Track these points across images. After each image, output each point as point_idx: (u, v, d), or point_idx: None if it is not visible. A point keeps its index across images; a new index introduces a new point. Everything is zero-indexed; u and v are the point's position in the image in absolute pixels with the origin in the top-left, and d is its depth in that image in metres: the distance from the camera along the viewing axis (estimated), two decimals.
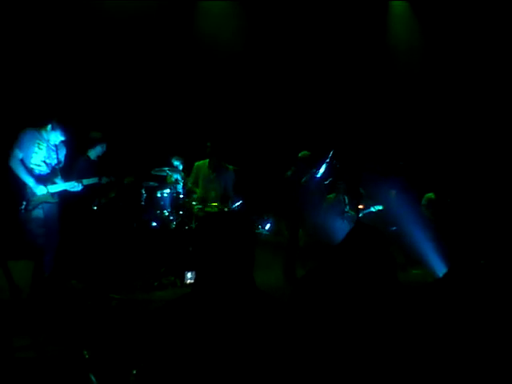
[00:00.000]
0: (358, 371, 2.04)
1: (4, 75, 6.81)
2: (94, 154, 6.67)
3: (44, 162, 5.57)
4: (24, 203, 5.37)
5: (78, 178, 5.87)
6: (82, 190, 5.82)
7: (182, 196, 7.40)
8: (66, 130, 5.62)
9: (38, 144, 5.50)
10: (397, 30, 10.27)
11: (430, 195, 8.67)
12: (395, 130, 9.76)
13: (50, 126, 5.56)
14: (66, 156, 5.95)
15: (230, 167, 7.42)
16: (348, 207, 8.62)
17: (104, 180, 5.97)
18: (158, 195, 7.40)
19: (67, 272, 6.16)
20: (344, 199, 8.66)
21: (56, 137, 5.61)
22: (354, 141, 9.08)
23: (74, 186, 5.75)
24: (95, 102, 7.73)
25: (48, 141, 5.59)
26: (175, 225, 7.21)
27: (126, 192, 7.15)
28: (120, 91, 8.11)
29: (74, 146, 6.44)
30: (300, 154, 7.52)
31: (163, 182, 7.70)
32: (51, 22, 7.40)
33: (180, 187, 7.53)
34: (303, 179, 7.26)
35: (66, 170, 5.93)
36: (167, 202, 7.36)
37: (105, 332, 4.25)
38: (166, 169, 7.55)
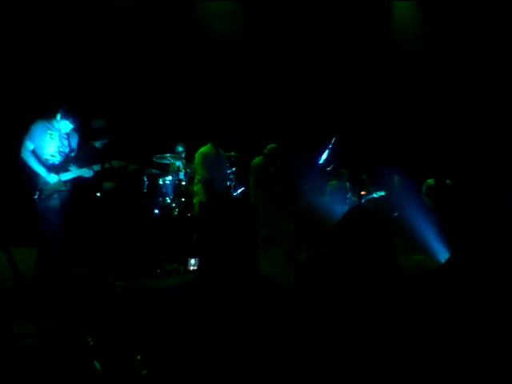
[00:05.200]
0: (360, 357, 2.05)
1: (11, 69, 6.80)
2: (97, 143, 6.64)
3: (58, 151, 5.61)
4: (37, 193, 5.39)
5: (83, 165, 5.87)
6: (92, 176, 5.83)
7: (183, 183, 7.41)
8: (75, 118, 5.64)
9: (50, 134, 5.53)
10: (400, 21, 10.23)
11: (430, 181, 8.66)
12: (398, 117, 9.73)
13: (59, 116, 5.58)
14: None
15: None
16: (350, 193, 8.62)
17: (95, 167, 5.90)
18: (160, 182, 7.40)
19: (71, 259, 6.18)
20: (346, 185, 8.66)
21: (66, 125, 5.63)
22: (356, 128, 9.06)
23: (87, 173, 5.76)
24: (99, 91, 7.70)
25: (59, 130, 5.61)
26: (177, 212, 7.22)
27: (128, 179, 7.14)
28: (123, 80, 8.08)
29: (80, 134, 6.46)
30: (268, 147, 7.78)
31: (165, 169, 7.69)
32: (54, 15, 7.36)
33: (182, 174, 7.54)
34: (270, 170, 7.43)
35: (75, 158, 5.96)
36: (169, 189, 7.37)
37: (109, 319, 4.26)
38: (168, 155, 7.54)
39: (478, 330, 2.24)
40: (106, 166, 5.90)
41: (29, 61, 6.99)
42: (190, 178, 7.59)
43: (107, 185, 6.59)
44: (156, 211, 7.31)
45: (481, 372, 2.14)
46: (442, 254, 6.85)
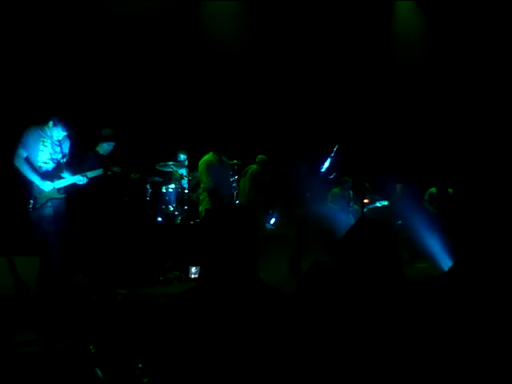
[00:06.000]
0: (362, 367, 2.04)
1: (5, 74, 6.78)
2: (102, 150, 6.66)
3: (50, 158, 5.56)
4: (31, 201, 5.37)
5: (78, 172, 5.82)
6: (87, 183, 5.80)
7: (186, 191, 7.42)
8: (67, 125, 5.58)
9: (43, 141, 5.49)
10: (402, 22, 10.23)
11: (432, 190, 8.64)
12: (400, 124, 9.73)
13: (51, 123, 5.53)
14: (76, 150, 5.94)
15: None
16: (353, 202, 8.62)
17: (89, 174, 5.80)
18: (163, 190, 7.41)
19: (73, 267, 6.18)
20: (349, 193, 8.66)
21: (58, 132, 5.57)
22: (358, 135, 9.06)
23: (80, 180, 5.73)
24: (102, 98, 7.72)
25: (51, 137, 5.57)
26: (180, 220, 7.22)
27: (131, 187, 7.15)
28: (126, 87, 8.10)
29: (84, 141, 6.44)
30: (259, 157, 7.83)
31: (168, 177, 7.71)
32: (52, 19, 7.38)
33: (185, 182, 7.55)
34: (266, 178, 7.52)
35: (76, 165, 5.91)
36: (172, 197, 7.38)
37: (111, 327, 4.26)
38: (171, 163, 7.55)
39: (483, 338, 2.23)
40: (99, 172, 5.86)
41: (23, 67, 6.98)
42: (192, 186, 7.59)
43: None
44: (159, 219, 7.31)
45: (487, 379, 2.13)
46: (445, 262, 6.83)
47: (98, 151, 6.62)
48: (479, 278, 2.51)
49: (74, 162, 5.96)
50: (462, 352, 2.18)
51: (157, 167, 7.61)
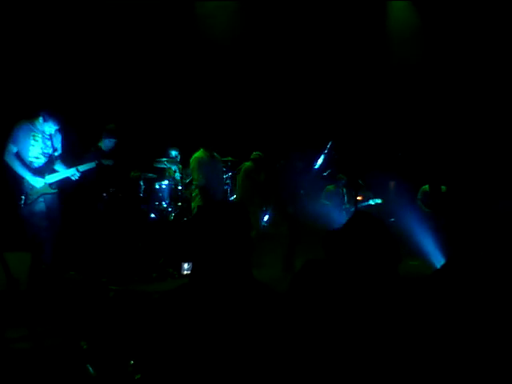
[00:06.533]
0: (356, 364, 2.04)
1: None
2: (103, 145, 6.62)
3: (42, 153, 5.51)
4: (23, 198, 5.32)
5: (70, 166, 5.77)
6: (80, 177, 5.75)
7: (180, 188, 7.40)
8: (57, 119, 5.53)
9: (34, 136, 5.44)
10: (396, 22, 10.24)
11: (426, 188, 8.67)
12: (394, 121, 9.74)
13: (41, 118, 5.48)
14: (77, 146, 5.90)
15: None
16: (346, 199, 8.62)
17: (81, 168, 5.78)
18: (157, 187, 7.39)
19: (66, 263, 6.15)
20: (343, 191, 8.67)
21: (50, 127, 5.54)
22: (352, 132, 9.07)
23: (73, 174, 5.69)
24: (96, 95, 7.68)
25: (43, 131, 5.52)
26: (173, 216, 7.20)
27: (129, 185, 7.12)
28: (119, 83, 8.06)
29: (86, 137, 6.39)
30: (255, 153, 7.81)
31: (161, 174, 7.68)
32: (49, 14, 7.32)
33: (178, 179, 7.53)
34: (262, 175, 7.58)
35: (77, 160, 5.87)
36: (165, 194, 7.35)
37: (103, 323, 4.24)
38: (164, 160, 7.53)
39: (475, 335, 2.23)
40: (91, 165, 5.81)
41: (17, 64, 6.91)
42: (186, 183, 7.58)
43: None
44: (152, 215, 7.29)
45: (477, 376, 2.14)
46: (437, 260, 6.86)
47: (100, 147, 6.60)
48: (471, 275, 2.51)
49: (74, 157, 5.93)
50: (454, 349, 2.18)
51: (154, 165, 7.58)
